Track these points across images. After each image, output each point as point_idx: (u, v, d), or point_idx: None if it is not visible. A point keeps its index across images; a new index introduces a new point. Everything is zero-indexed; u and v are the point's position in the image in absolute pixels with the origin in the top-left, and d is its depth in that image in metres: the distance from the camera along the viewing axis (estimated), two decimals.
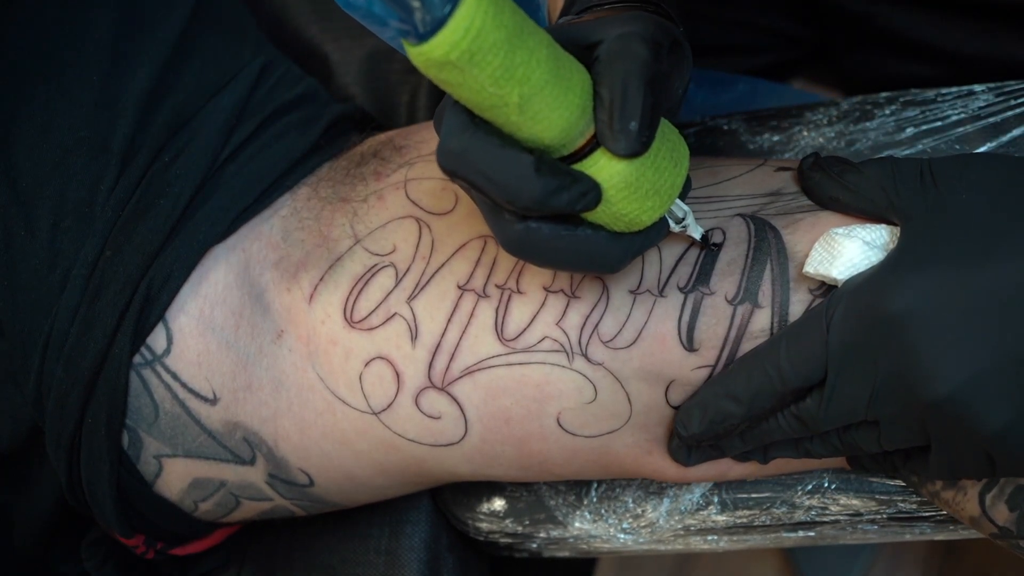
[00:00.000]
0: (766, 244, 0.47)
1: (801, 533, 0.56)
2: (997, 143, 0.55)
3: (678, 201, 0.44)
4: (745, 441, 0.47)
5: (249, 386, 0.52)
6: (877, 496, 0.53)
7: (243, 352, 0.52)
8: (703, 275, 0.47)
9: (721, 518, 0.56)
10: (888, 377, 0.40)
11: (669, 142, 0.42)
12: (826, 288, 0.45)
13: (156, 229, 0.52)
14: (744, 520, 0.56)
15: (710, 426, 0.45)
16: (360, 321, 0.50)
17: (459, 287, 0.49)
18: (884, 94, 0.59)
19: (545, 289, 0.48)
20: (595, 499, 0.58)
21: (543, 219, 0.40)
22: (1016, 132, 0.55)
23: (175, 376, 0.52)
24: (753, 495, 0.56)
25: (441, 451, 0.51)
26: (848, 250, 0.43)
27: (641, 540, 0.58)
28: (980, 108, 0.56)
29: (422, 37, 0.34)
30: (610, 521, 0.58)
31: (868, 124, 0.58)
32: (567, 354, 0.48)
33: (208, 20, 0.60)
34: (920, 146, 0.56)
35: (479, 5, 0.33)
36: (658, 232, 0.44)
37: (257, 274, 0.53)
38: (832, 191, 0.46)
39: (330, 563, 0.62)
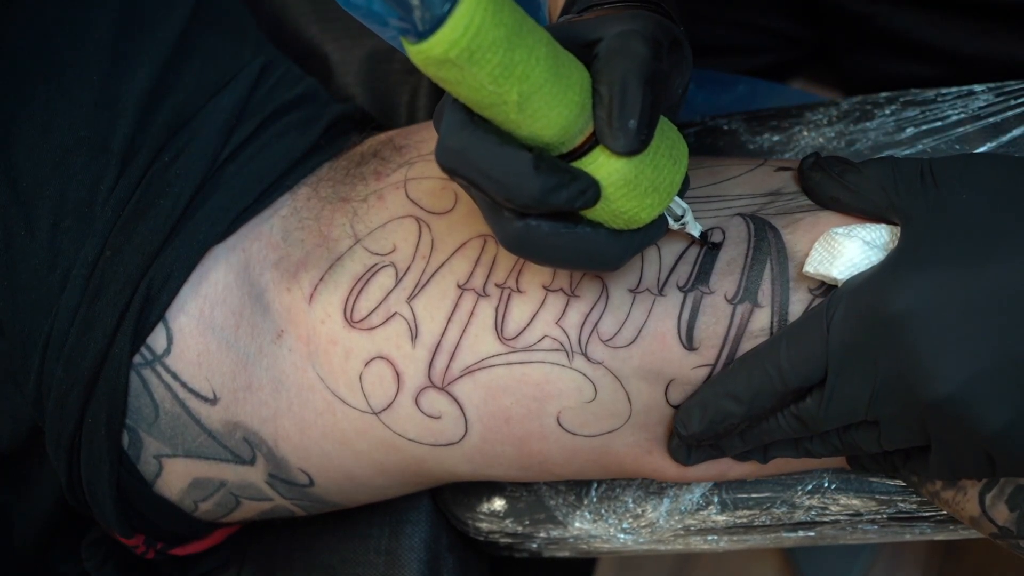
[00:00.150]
0: (766, 244, 0.47)
1: (801, 533, 0.56)
2: (997, 143, 0.55)
3: (677, 199, 0.44)
4: (745, 441, 0.47)
5: (249, 386, 0.52)
6: (877, 496, 0.53)
7: (243, 352, 0.52)
8: (703, 274, 0.47)
9: (721, 518, 0.56)
10: (888, 377, 0.40)
11: (668, 140, 0.42)
12: (826, 288, 0.45)
13: (156, 229, 0.52)
14: (744, 520, 0.56)
15: (710, 425, 0.45)
16: (360, 321, 0.50)
17: (459, 286, 0.49)
18: (884, 94, 0.59)
19: (545, 288, 0.48)
20: (595, 499, 0.58)
21: (542, 217, 0.40)
22: (1016, 132, 0.55)
23: (175, 376, 0.52)
24: (753, 495, 0.56)
25: (441, 451, 0.51)
26: (848, 250, 0.43)
27: (641, 540, 0.58)
28: (980, 108, 0.56)
29: (421, 35, 0.34)
30: (610, 521, 0.58)
31: (868, 124, 0.58)
32: (567, 353, 0.48)
33: (208, 20, 0.60)
34: (920, 146, 0.56)
35: (478, 3, 0.33)
36: (657, 229, 0.44)
37: (257, 274, 0.53)
38: (832, 191, 0.46)
39: (330, 563, 0.62)
